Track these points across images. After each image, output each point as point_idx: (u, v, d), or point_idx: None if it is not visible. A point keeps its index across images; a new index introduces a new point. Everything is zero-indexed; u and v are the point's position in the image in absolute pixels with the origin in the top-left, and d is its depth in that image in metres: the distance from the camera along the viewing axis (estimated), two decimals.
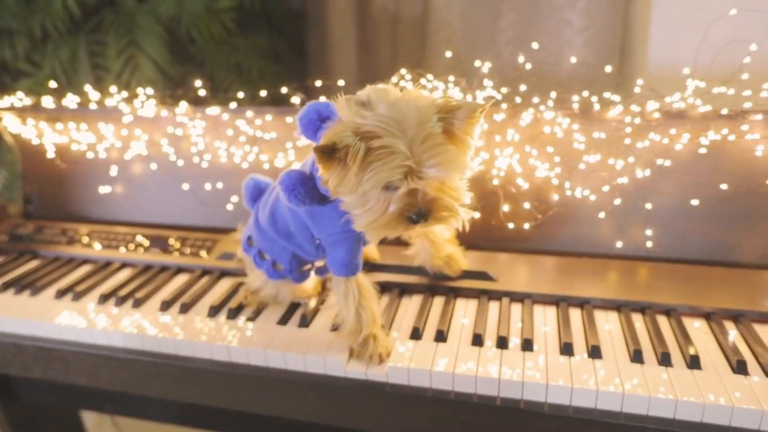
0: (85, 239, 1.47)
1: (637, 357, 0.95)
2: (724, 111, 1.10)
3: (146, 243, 1.43)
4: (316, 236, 1.02)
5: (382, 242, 1.17)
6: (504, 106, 1.22)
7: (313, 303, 1.16)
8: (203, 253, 1.36)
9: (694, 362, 0.93)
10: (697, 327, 1.03)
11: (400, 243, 1.16)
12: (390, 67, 2.43)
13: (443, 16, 2.12)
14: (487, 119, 1.23)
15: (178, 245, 1.40)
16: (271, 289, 1.14)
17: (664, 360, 0.94)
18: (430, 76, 1.28)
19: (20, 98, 1.57)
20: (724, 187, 1.14)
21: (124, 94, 1.52)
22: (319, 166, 0.83)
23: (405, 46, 2.39)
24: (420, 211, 0.83)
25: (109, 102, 1.52)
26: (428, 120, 0.80)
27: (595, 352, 0.97)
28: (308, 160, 0.98)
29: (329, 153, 0.80)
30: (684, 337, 0.98)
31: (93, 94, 1.54)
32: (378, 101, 0.82)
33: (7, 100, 1.58)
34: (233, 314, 1.15)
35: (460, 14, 2.12)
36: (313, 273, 1.15)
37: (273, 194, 1.07)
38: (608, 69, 1.32)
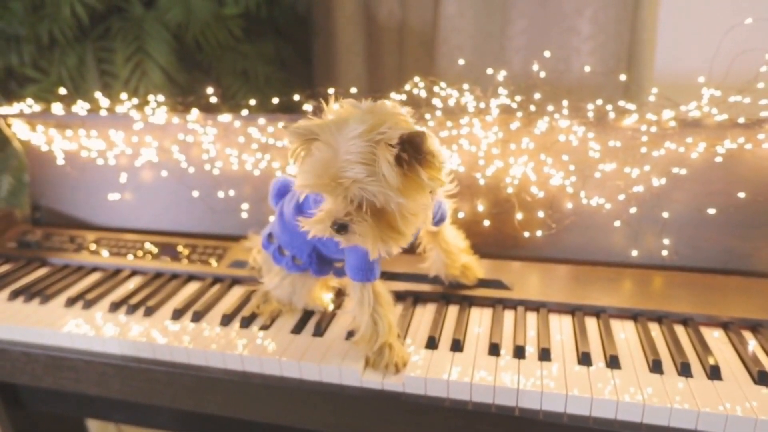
0: (95, 246, 1.47)
1: (656, 367, 0.94)
2: (741, 120, 1.10)
3: (156, 251, 1.42)
4: None
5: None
6: (519, 114, 1.22)
7: (326, 314, 1.15)
8: (214, 261, 1.35)
9: (714, 373, 0.92)
10: (715, 337, 1.02)
11: (415, 251, 1.16)
12: (397, 75, 2.44)
13: (454, 24, 2.12)
14: (501, 127, 1.22)
15: (188, 253, 1.40)
16: (287, 287, 1.13)
17: (684, 370, 0.93)
18: (443, 84, 1.28)
19: (30, 105, 1.56)
20: (741, 195, 1.13)
21: (135, 100, 1.52)
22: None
23: (414, 54, 2.39)
24: (337, 225, 0.84)
25: (120, 109, 1.51)
26: (357, 139, 0.78)
27: (613, 362, 0.96)
28: None
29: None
30: (703, 347, 0.98)
31: (103, 101, 1.53)
32: (348, 109, 0.84)
33: (17, 107, 1.57)
34: (246, 323, 1.14)
35: (471, 22, 2.12)
36: (332, 274, 1.14)
37: None
38: (623, 77, 1.32)
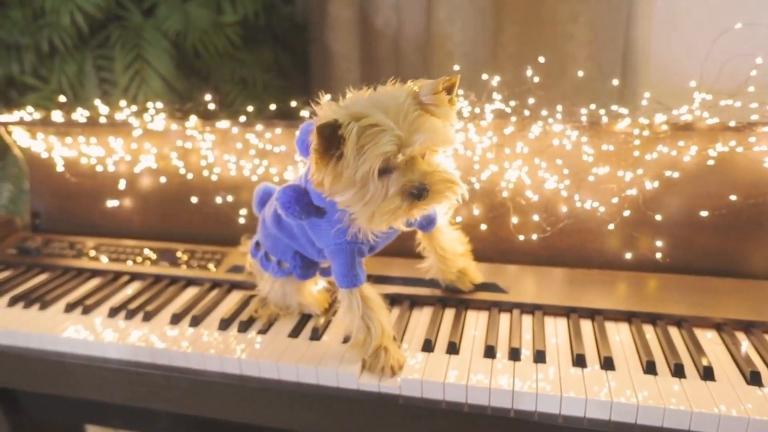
0: (94, 253, 1.48)
1: (650, 368, 0.95)
2: (732, 123, 1.12)
3: (155, 256, 1.43)
4: (317, 245, 1.03)
5: (393, 254, 1.18)
6: (513, 119, 1.23)
7: (322, 318, 1.16)
8: (212, 267, 1.36)
9: (707, 373, 0.93)
10: (708, 338, 1.03)
11: (411, 255, 1.17)
12: (393, 82, 2.45)
13: (445, 30, 2.14)
14: (496, 132, 1.24)
15: (187, 258, 1.41)
16: (278, 291, 1.14)
17: (678, 371, 0.94)
18: None
19: (30, 112, 1.58)
20: (732, 198, 1.15)
21: (134, 108, 1.53)
22: (314, 163, 0.84)
23: (409, 61, 2.41)
24: (420, 186, 0.84)
25: (119, 116, 1.53)
26: (405, 101, 0.83)
27: (608, 364, 0.97)
28: (302, 174, 1.01)
29: (329, 136, 0.81)
30: (696, 348, 0.98)
31: (102, 108, 1.55)
32: (355, 98, 0.87)
33: (17, 115, 1.59)
34: (244, 327, 1.15)
35: (460, 28, 2.14)
36: (318, 274, 1.16)
37: None
38: (615, 82, 1.33)
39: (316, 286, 1.20)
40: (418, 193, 0.84)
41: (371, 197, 0.85)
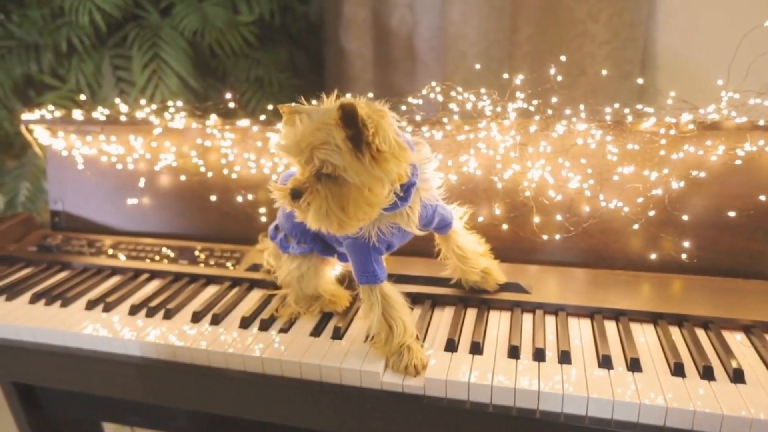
0: (113, 251, 1.48)
1: (678, 370, 0.93)
2: (761, 122, 1.10)
3: (173, 254, 1.44)
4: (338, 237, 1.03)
5: (413, 253, 1.18)
6: (536, 117, 1.22)
7: (344, 317, 1.16)
8: (232, 265, 1.36)
9: (737, 376, 0.91)
10: (737, 340, 1.02)
11: (432, 254, 1.16)
12: (408, 81, 2.45)
13: (459, 30, 2.14)
14: (519, 131, 1.23)
15: (206, 257, 1.41)
16: (295, 273, 1.14)
17: (707, 374, 0.92)
18: (459, 89, 1.29)
19: (51, 111, 1.59)
20: (761, 198, 1.13)
21: (154, 106, 1.54)
22: None
23: (422, 59, 2.41)
24: (294, 190, 0.89)
25: (139, 114, 1.53)
26: (326, 113, 0.85)
27: (634, 365, 0.95)
28: None
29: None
30: (725, 350, 0.97)
31: (122, 107, 1.55)
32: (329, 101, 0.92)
33: (38, 113, 1.60)
34: (265, 326, 1.15)
35: (475, 28, 2.13)
36: (336, 258, 1.17)
37: None
38: (640, 81, 1.32)
39: (334, 270, 1.19)
40: (292, 194, 0.89)
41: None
